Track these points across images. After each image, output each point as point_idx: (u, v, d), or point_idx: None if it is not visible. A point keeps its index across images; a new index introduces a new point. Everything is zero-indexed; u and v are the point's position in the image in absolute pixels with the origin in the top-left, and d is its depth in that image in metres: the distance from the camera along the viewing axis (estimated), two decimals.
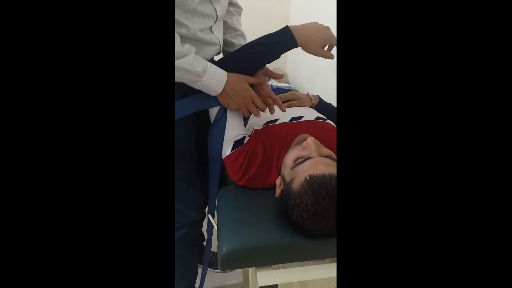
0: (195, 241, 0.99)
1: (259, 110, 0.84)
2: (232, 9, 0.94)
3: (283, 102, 1.04)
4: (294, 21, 2.09)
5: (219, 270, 1.30)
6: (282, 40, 0.78)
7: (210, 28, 0.78)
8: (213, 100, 0.79)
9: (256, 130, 0.88)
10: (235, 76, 0.77)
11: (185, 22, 0.70)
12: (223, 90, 0.75)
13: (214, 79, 0.73)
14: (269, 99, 0.87)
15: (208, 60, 0.80)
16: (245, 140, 0.82)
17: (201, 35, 0.75)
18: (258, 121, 0.94)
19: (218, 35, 0.81)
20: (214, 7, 0.76)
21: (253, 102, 0.80)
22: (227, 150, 0.81)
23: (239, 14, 0.98)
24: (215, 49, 0.82)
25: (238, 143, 0.80)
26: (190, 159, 0.86)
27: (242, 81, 0.78)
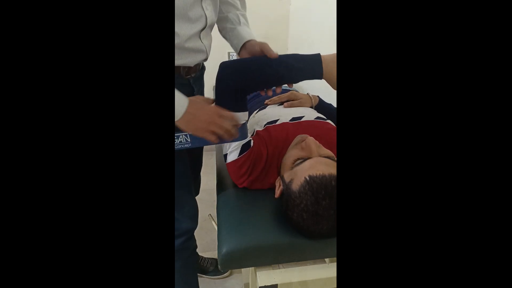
0: (193, 255, 0.95)
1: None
2: None
3: (283, 102, 1.05)
4: (294, 21, 2.09)
5: (215, 276, 1.29)
6: (309, 68, 0.73)
7: (199, 35, 0.75)
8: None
9: (257, 131, 0.88)
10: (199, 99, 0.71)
11: (176, 29, 0.68)
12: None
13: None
14: None
15: (194, 66, 0.79)
16: (252, 144, 0.81)
17: (188, 43, 0.73)
18: (258, 122, 0.94)
19: (205, 43, 0.79)
20: (205, 12, 0.74)
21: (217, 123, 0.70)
22: (233, 155, 0.80)
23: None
24: (201, 56, 0.79)
25: (245, 147, 0.80)
26: (183, 163, 0.82)
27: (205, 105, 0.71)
